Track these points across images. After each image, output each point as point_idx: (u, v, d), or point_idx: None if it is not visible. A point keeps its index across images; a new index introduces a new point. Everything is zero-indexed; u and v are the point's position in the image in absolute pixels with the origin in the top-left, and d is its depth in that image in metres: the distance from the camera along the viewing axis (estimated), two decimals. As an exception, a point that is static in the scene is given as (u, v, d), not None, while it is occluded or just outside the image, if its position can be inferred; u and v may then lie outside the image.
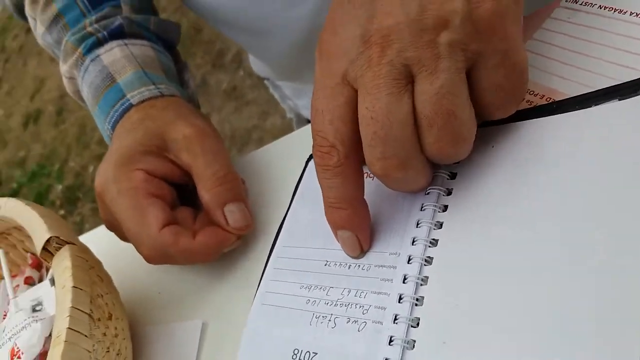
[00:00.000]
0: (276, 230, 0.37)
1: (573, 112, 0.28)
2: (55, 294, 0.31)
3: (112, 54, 0.43)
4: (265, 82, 0.74)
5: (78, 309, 0.30)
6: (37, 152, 2.71)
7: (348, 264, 0.31)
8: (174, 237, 0.35)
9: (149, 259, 0.37)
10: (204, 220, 0.38)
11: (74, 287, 0.31)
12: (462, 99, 0.26)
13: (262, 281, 0.35)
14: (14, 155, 2.85)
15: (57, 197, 2.45)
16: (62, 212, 2.35)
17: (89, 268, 0.34)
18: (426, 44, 0.25)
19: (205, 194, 0.37)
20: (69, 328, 0.29)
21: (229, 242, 0.37)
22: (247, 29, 0.54)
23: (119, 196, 0.36)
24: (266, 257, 0.36)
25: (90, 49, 0.44)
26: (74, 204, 2.35)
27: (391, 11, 0.26)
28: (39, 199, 2.49)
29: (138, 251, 0.37)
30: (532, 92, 0.32)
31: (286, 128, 1.74)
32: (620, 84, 0.27)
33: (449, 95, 0.25)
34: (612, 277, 0.23)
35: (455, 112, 0.26)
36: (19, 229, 0.38)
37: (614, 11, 0.32)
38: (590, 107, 0.28)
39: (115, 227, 0.38)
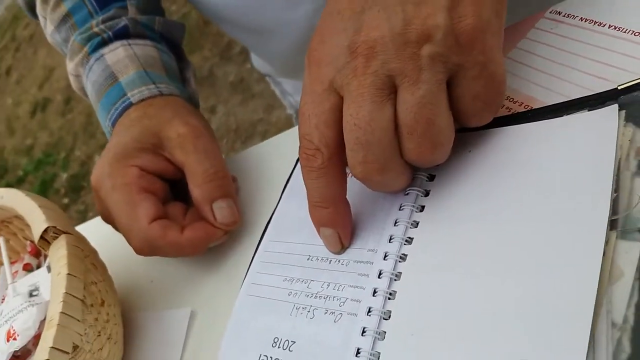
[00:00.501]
0: (264, 225, 0.38)
1: (545, 120, 0.29)
2: (51, 281, 0.33)
3: (116, 53, 0.44)
4: (267, 78, 0.75)
5: (71, 295, 0.31)
6: (44, 141, 2.73)
7: (329, 259, 0.33)
8: (163, 230, 0.36)
9: (139, 251, 0.38)
10: (193, 215, 0.39)
11: (68, 274, 0.32)
12: (441, 108, 0.27)
13: (248, 273, 0.36)
14: (21, 143, 2.87)
15: (61, 185, 2.46)
16: (66, 200, 2.36)
17: (84, 257, 0.36)
18: (409, 57, 0.26)
19: (195, 189, 0.38)
20: (61, 312, 0.30)
21: (216, 237, 0.38)
22: (249, 28, 0.55)
23: (113, 191, 0.38)
24: (253, 251, 0.37)
25: (95, 49, 0.45)
26: (78, 193, 2.36)
27: (377, 25, 0.27)
28: (44, 187, 2.51)
29: (129, 243, 0.38)
30: (512, 100, 0.33)
31: (291, 122, 1.74)
32: (590, 95, 0.29)
33: (429, 105, 0.27)
34: (577, 274, 0.24)
35: (434, 121, 0.27)
36: (20, 218, 0.39)
37: (594, 24, 0.33)
38: (562, 116, 0.29)
39: (110, 220, 0.40)
